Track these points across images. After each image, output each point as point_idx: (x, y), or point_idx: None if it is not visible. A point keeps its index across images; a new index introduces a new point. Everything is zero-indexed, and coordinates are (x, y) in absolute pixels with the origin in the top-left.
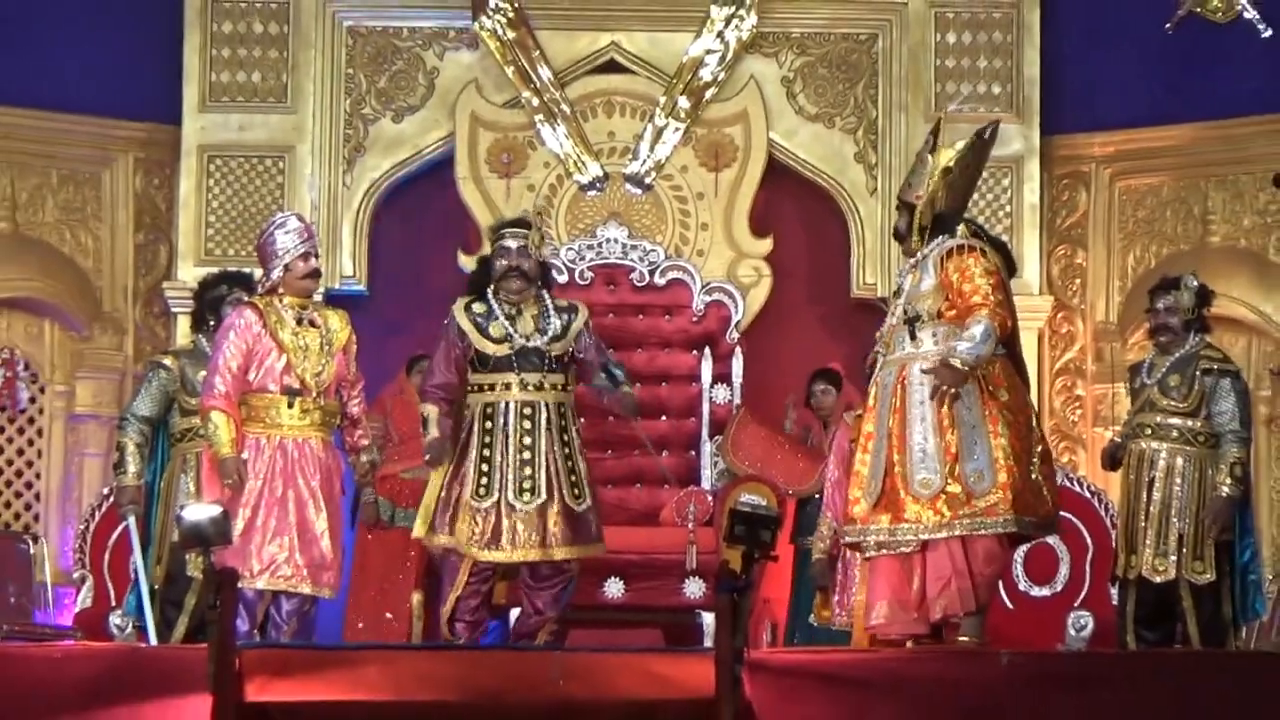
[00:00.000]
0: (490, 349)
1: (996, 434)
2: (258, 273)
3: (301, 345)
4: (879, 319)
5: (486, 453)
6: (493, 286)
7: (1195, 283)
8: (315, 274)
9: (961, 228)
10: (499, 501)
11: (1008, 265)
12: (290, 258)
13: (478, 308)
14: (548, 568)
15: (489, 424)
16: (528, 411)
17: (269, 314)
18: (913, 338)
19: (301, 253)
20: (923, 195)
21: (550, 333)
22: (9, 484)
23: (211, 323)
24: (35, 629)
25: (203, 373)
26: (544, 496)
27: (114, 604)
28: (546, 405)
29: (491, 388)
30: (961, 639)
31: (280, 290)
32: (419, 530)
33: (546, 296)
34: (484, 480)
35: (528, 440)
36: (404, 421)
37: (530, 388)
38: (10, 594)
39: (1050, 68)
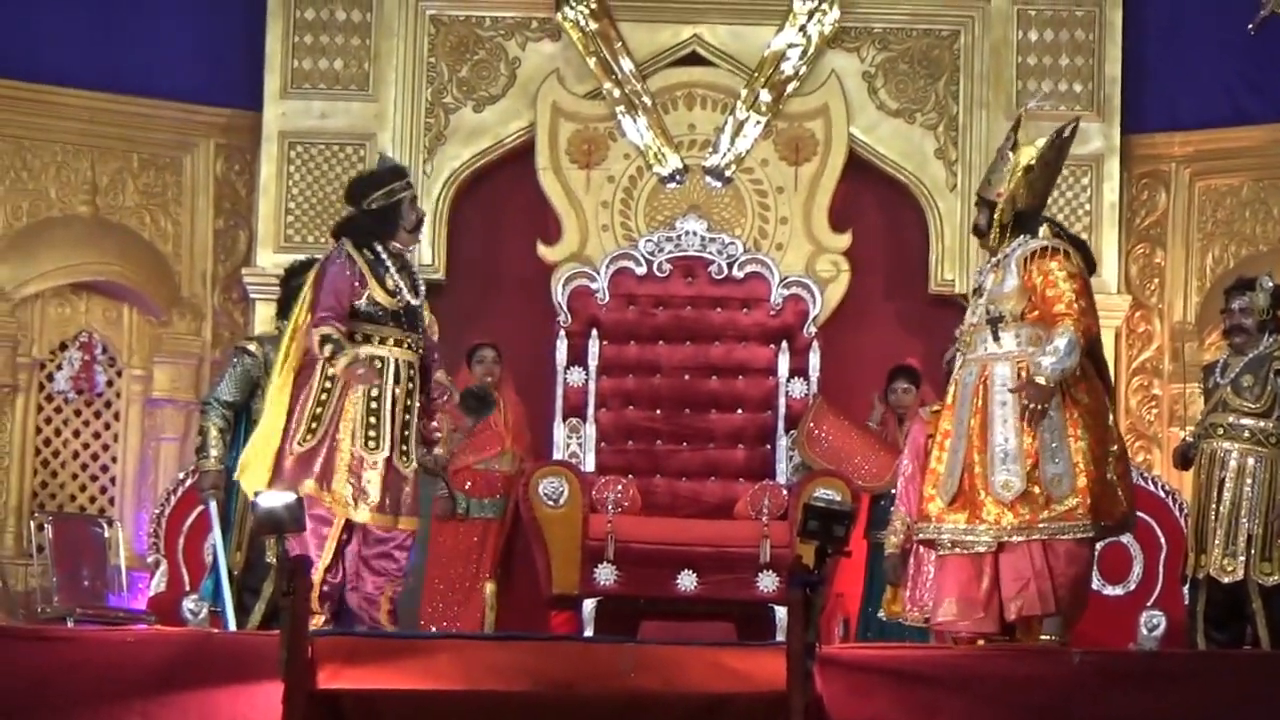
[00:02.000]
0: (384, 300)
1: (1077, 438)
2: None
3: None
4: (957, 315)
5: (374, 405)
6: (381, 237)
7: (1271, 284)
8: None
9: (1044, 228)
10: (390, 459)
11: (1088, 263)
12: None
13: (367, 254)
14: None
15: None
16: (411, 372)
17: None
18: (995, 338)
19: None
20: (1003, 193)
21: (422, 292)
22: (85, 467)
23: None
24: (109, 612)
25: None
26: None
27: (188, 588)
28: (412, 365)
29: (370, 339)
30: (1043, 638)
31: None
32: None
33: (410, 255)
34: (373, 434)
35: (409, 401)
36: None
37: (412, 346)
38: (85, 577)
39: (1131, 67)
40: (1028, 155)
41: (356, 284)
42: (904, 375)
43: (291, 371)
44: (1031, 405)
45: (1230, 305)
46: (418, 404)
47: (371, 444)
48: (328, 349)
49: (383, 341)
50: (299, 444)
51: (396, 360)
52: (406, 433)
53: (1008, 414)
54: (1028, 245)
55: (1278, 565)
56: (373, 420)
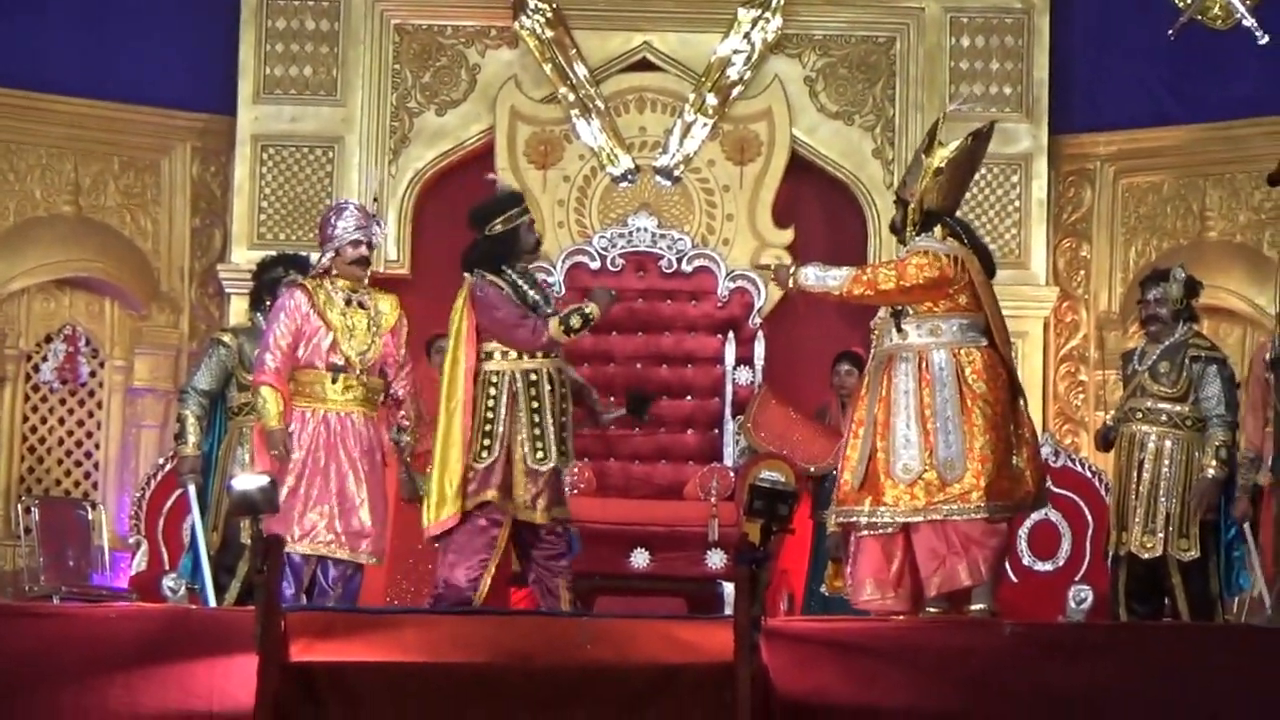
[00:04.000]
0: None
1: (971, 424)
2: (314, 255)
3: (348, 325)
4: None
5: (537, 418)
6: (507, 262)
7: (1183, 275)
8: (364, 261)
9: (938, 229)
10: (553, 465)
11: (986, 266)
12: (341, 243)
13: (505, 278)
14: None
15: (534, 390)
16: (561, 378)
17: (318, 295)
18: (899, 329)
19: (352, 239)
20: (915, 192)
21: (549, 299)
22: (69, 453)
23: (268, 302)
24: (93, 590)
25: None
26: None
27: (167, 567)
28: (561, 370)
29: (521, 355)
30: (973, 608)
31: (334, 272)
32: (436, 514)
33: (535, 270)
34: (539, 444)
35: (565, 405)
36: (433, 401)
37: (550, 354)
38: (70, 557)
39: (1058, 70)
40: (939, 158)
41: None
42: (847, 359)
43: (466, 404)
44: (770, 276)
45: (1145, 296)
46: (571, 406)
47: (540, 455)
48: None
49: (533, 355)
50: (477, 460)
51: (549, 370)
52: (565, 433)
53: (909, 402)
54: (914, 243)
55: (1194, 542)
56: (537, 433)
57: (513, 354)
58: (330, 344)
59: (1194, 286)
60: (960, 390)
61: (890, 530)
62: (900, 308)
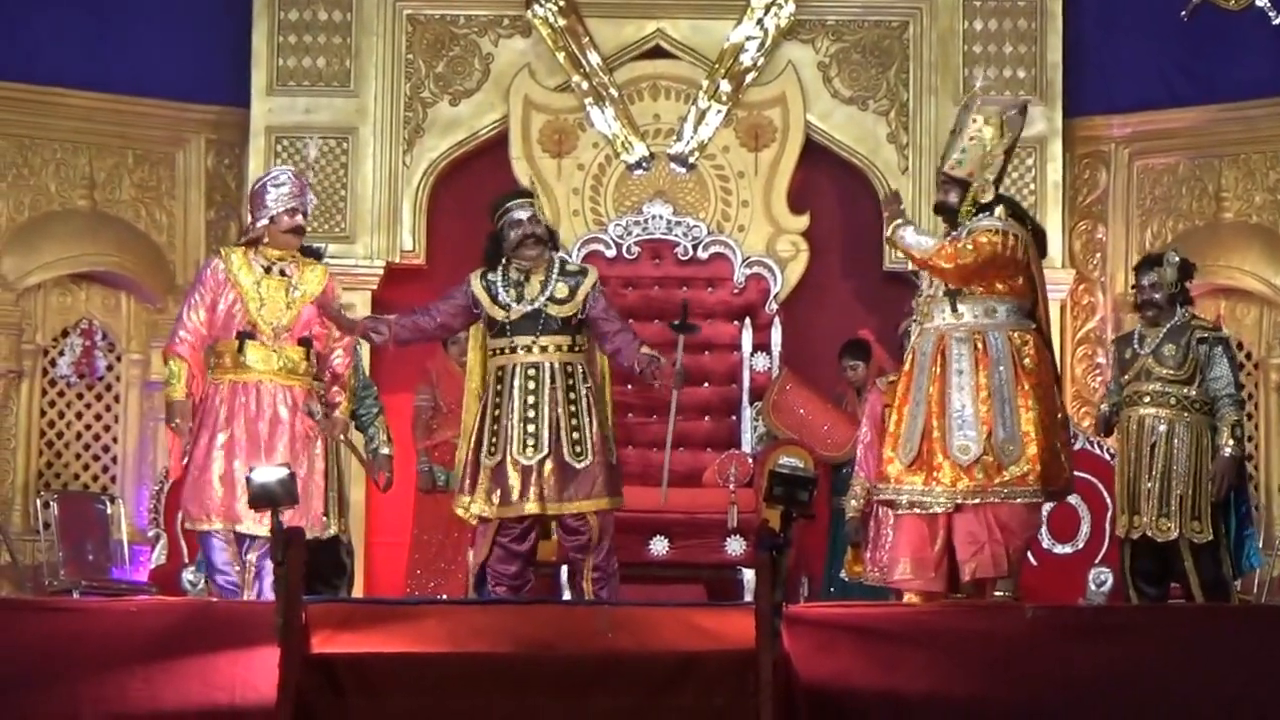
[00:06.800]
0: (498, 315)
1: (1027, 406)
2: (322, 245)
3: (260, 293)
4: (909, 291)
5: (496, 413)
6: (505, 259)
7: (1177, 259)
8: (298, 230)
9: (1000, 209)
10: (503, 459)
11: (1039, 245)
12: (277, 211)
13: (491, 277)
14: (573, 519)
15: (499, 386)
16: (532, 372)
17: (230, 261)
18: (954, 309)
19: (288, 208)
20: (974, 172)
21: (554, 295)
22: (87, 447)
23: None
24: (112, 584)
25: None
26: (545, 451)
27: (186, 560)
28: (552, 365)
29: (501, 351)
30: (997, 594)
31: (265, 241)
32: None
33: (557, 260)
34: (493, 440)
35: (531, 399)
36: (450, 391)
37: (535, 349)
38: (89, 551)
39: (1072, 53)
40: (1006, 138)
41: (473, 308)
42: (850, 353)
43: (476, 392)
44: (886, 206)
45: (1140, 281)
46: (584, 397)
47: (531, 449)
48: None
49: (501, 352)
50: (487, 458)
51: (551, 365)
52: (575, 424)
53: (964, 381)
54: (980, 223)
55: (1207, 524)
56: (530, 429)
57: (519, 349)
58: (241, 311)
59: (1188, 269)
60: (1016, 372)
61: (940, 510)
62: (958, 288)
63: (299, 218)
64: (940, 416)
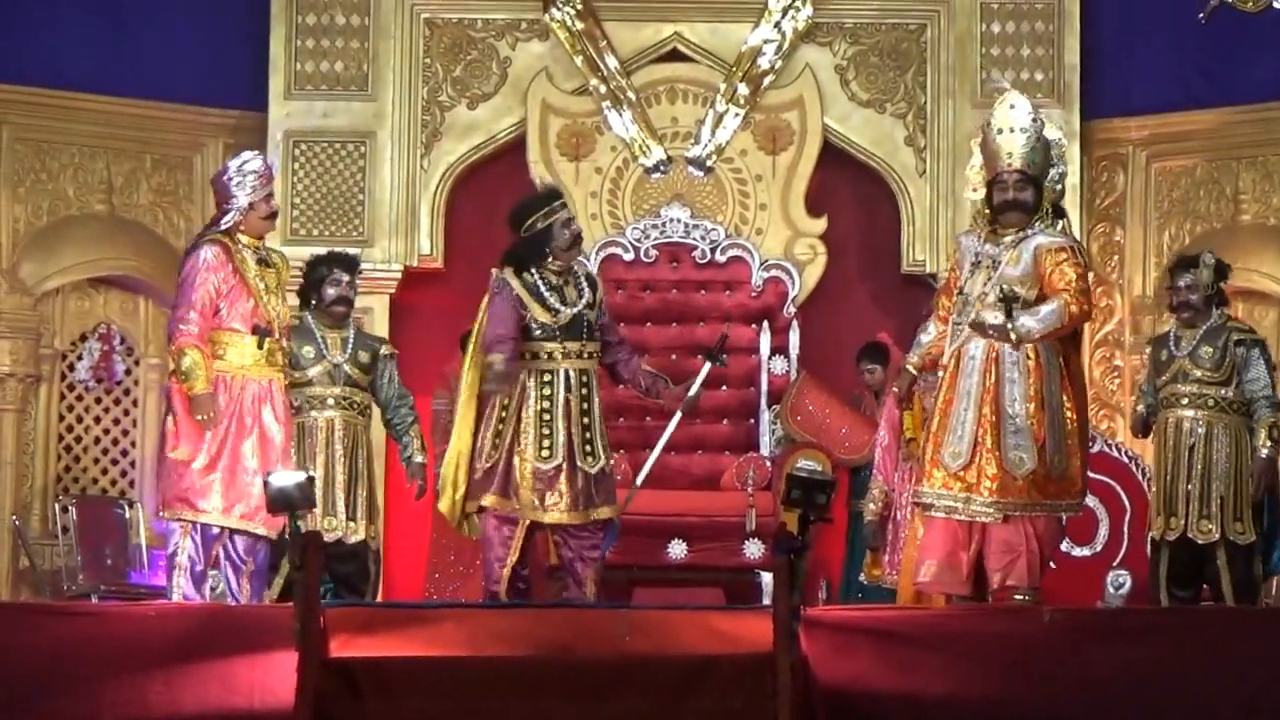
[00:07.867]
0: (546, 319)
1: (1073, 419)
2: (351, 250)
3: (262, 286)
4: (927, 294)
5: (547, 417)
6: (540, 261)
7: (1213, 259)
8: (275, 215)
9: (1064, 223)
10: (561, 463)
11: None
12: (255, 197)
13: (527, 278)
14: (598, 523)
15: (547, 390)
16: (585, 379)
17: (235, 253)
18: (1009, 316)
19: (266, 194)
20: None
21: (588, 301)
22: (106, 452)
23: (314, 301)
24: (131, 588)
25: (306, 347)
26: (603, 459)
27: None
28: (591, 372)
29: (550, 356)
30: (1017, 598)
31: (241, 229)
32: (444, 505)
33: (578, 266)
34: (546, 443)
35: (585, 405)
36: None
37: (583, 355)
38: (107, 556)
39: (1089, 56)
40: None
41: (521, 310)
42: (868, 357)
43: (475, 398)
44: (992, 335)
45: (1176, 283)
46: (597, 405)
47: (546, 453)
48: (489, 376)
49: (550, 356)
50: (485, 461)
51: (567, 371)
52: (589, 434)
53: (1018, 393)
54: (1049, 240)
55: (1249, 524)
56: (546, 432)
57: (570, 354)
58: (253, 306)
59: (1223, 270)
60: (1062, 383)
61: (986, 520)
62: (1014, 294)
63: (274, 202)
64: (995, 426)
